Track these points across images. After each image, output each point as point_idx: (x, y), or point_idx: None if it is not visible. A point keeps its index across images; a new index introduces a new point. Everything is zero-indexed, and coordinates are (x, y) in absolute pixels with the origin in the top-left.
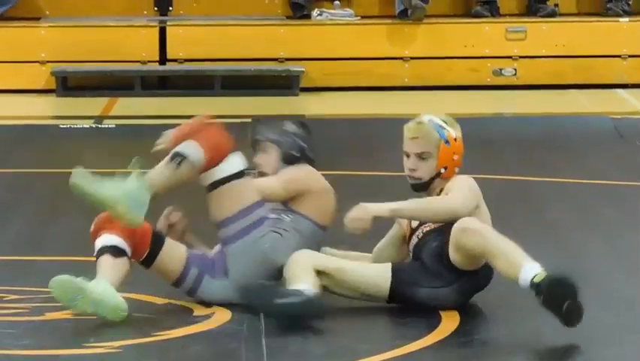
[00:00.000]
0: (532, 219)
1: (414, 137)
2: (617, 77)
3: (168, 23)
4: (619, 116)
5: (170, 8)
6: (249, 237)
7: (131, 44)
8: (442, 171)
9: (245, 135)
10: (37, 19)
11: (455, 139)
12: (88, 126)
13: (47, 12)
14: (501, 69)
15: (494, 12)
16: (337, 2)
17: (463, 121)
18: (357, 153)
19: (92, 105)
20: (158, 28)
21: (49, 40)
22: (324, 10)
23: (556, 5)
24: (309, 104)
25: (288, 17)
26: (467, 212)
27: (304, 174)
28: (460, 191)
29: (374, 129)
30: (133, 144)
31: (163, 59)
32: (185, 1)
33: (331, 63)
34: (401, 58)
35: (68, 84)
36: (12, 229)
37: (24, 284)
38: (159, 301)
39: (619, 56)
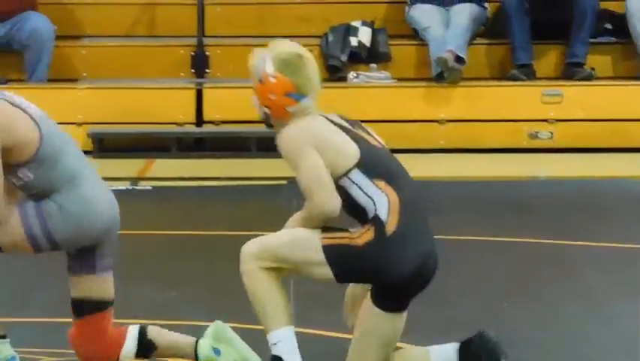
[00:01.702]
0: (566, 283)
1: (250, 68)
2: None
3: (205, 85)
4: None
5: (207, 70)
6: None
7: (168, 106)
8: (266, 110)
9: (280, 197)
10: (75, 80)
11: (274, 77)
12: (124, 188)
13: (85, 74)
14: (537, 132)
15: (530, 75)
16: (374, 65)
17: (498, 184)
18: None
19: (129, 167)
20: (194, 90)
21: (86, 101)
22: (361, 72)
23: (592, 69)
24: None
25: (325, 79)
26: (317, 201)
27: None
28: (302, 181)
29: None
30: (169, 206)
31: (199, 121)
32: (221, 63)
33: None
34: (437, 120)
35: (105, 146)
36: (47, 289)
37: (56, 346)
38: None
39: None
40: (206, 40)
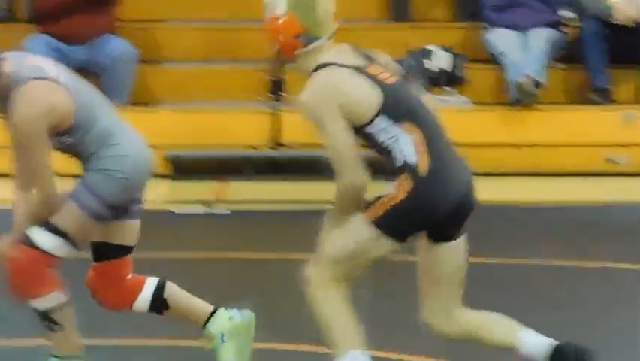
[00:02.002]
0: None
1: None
2: None
3: (281, 109)
4: None
5: (284, 94)
6: None
7: (245, 129)
8: (279, 50)
9: None
10: (154, 104)
11: (284, 18)
12: (201, 211)
13: (162, 97)
14: (614, 157)
15: (608, 99)
16: (450, 89)
17: (575, 209)
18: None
19: (205, 190)
20: (271, 114)
21: (165, 125)
22: (439, 95)
23: None
24: None
25: None
26: (344, 180)
27: None
28: (328, 155)
29: (486, 215)
30: (245, 229)
31: (275, 144)
32: (297, 86)
33: None
34: (514, 144)
35: (182, 168)
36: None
37: None
38: None
39: None
40: None
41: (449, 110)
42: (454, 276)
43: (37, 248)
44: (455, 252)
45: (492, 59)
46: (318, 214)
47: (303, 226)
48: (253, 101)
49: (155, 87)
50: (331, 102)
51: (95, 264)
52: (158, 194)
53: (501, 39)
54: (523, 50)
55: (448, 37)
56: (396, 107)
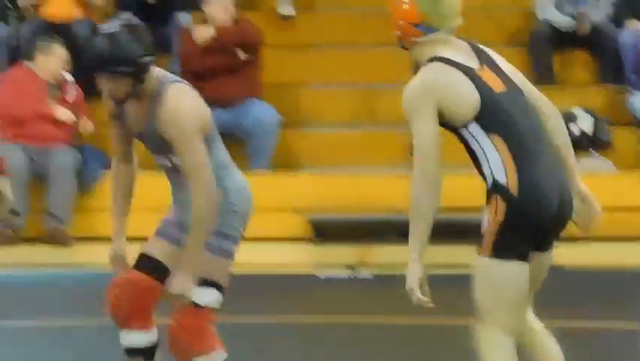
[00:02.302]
0: None
1: None
2: None
3: None
4: None
5: None
6: None
7: (387, 193)
8: (398, 34)
9: None
10: (294, 167)
11: (407, 4)
12: (344, 275)
13: (304, 161)
14: None
15: None
16: (594, 152)
17: None
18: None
19: (348, 253)
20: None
21: (307, 189)
22: (582, 158)
23: None
24: (565, 253)
25: None
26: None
27: None
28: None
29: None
30: (389, 293)
31: None
32: (448, 150)
33: None
34: None
35: (324, 232)
36: None
37: None
38: None
39: None
40: None
41: (592, 174)
42: (539, 283)
43: (199, 306)
44: (548, 259)
45: (636, 122)
46: (463, 278)
47: (448, 289)
48: (395, 165)
49: (297, 151)
50: (428, 99)
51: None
52: (301, 257)
53: None
54: None
55: (591, 100)
56: (493, 118)
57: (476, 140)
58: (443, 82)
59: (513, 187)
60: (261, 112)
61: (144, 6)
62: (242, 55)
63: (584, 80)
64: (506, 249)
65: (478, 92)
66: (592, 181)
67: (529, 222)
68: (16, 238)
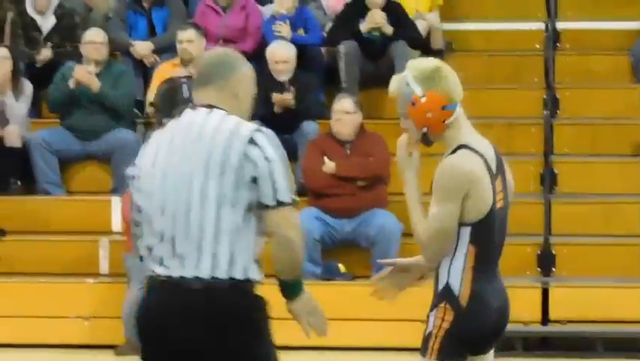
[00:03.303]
0: None
1: (392, 96)
2: None
3: (551, 284)
4: None
5: (553, 269)
6: None
7: (514, 304)
8: (425, 130)
9: None
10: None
11: (423, 97)
12: None
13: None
14: None
15: None
16: None
17: None
18: None
19: None
20: (540, 289)
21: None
22: None
23: None
24: None
25: None
26: (426, 241)
27: None
28: (433, 207)
29: None
30: None
31: (545, 320)
32: (567, 262)
33: None
34: None
35: None
36: None
37: None
38: None
39: None
40: (552, 239)
41: None
42: None
43: None
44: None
45: None
46: None
47: None
48: (522, 277)
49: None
50: (461, 188)
51: None
52: None
53: None
54: None
55: None
56: (483, 230)
57: (458, 242)
58: (475, 176)
59: (464, 298)
60: (385, 221)
61: (272, 116)
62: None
63: None
64: (452, 354)
65: (491, 200)
66: None
67: (474, 333)
68: None
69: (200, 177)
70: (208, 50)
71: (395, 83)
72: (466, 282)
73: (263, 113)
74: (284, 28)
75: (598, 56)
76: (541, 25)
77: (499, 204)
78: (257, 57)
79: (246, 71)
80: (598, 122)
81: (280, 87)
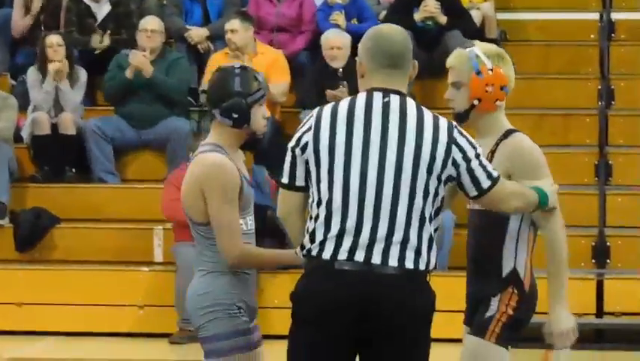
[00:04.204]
0: None
1: (450, 66)
2: None
3: (605, 276)
4: None
5: (608, 261)
6: None
7: (570, 297)
8: (476, 103)
9: None
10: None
11: (491, 70)
12: None
13: None
14: None
15: None
16: None
17: None
18: None
19: (530, 357)
20: (594, 281)
21: None
22: None
23: None
24: None
25: None
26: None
27: None
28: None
29: None
30: None
31: (599, 313)
32: (622, 254)
33: None
34: None
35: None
36: None
37: None
38: None
39: None
40: (607, 231)
41: None
42: None
43: None
44: None
45: None
46: None
47: None
48: (577, 269)
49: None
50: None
51: None
52: None
53: None
54: None
55: None
56: (535, 217)
57: (519, 227)
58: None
59: (527, 284)
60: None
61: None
62: None
63: None
64: (508, 339)
65: None
66: None
67: (528, 320)
68: None
69: (408, 168)
70: (385, 28)
71: (458, 53)
72: (528, 268)
73: (316, 103)
74: (340, 18)
75: None
76: (596, 16)
77: None
78: (310, 46)
79: None
80: None
81: (334, 76)
